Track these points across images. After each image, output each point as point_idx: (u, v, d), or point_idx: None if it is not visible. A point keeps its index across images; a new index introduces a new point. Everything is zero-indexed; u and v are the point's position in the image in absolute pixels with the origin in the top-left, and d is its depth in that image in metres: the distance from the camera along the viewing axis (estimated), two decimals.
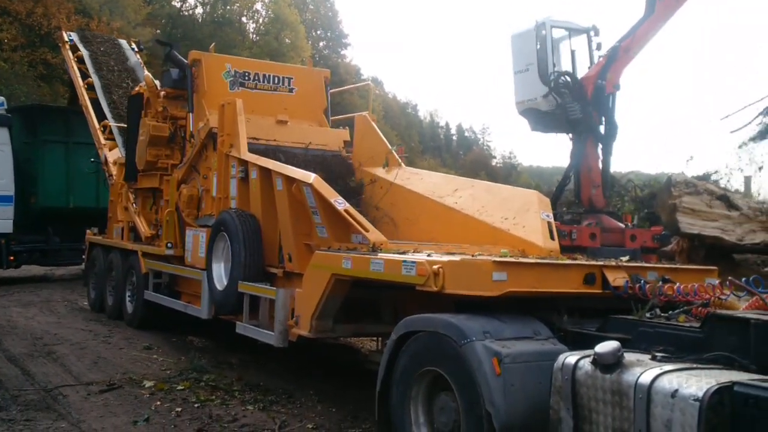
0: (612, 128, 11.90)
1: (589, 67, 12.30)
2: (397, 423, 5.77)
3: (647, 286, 5.46)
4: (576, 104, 11.55)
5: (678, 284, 5.41)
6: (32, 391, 8.27)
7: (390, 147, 10.08)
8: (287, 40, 58.75)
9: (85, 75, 16.63)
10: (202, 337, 11.40)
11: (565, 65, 12.58)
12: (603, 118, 11.84)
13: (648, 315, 5.20)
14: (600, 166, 11.86)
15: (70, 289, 17.07)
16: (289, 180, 8.06)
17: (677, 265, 6.82)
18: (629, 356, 4.43)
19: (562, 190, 12.90)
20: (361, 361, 10.23)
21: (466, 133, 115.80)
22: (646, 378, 4.15)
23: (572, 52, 12.69)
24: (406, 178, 9.39)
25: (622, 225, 11.58)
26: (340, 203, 7.41)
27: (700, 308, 5.07)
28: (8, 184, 17.49)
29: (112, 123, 15.25)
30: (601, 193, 11.80)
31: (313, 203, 7.69)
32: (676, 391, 3.99)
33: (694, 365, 4.30)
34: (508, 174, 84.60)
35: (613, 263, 5.92)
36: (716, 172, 13.55)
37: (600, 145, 11.86)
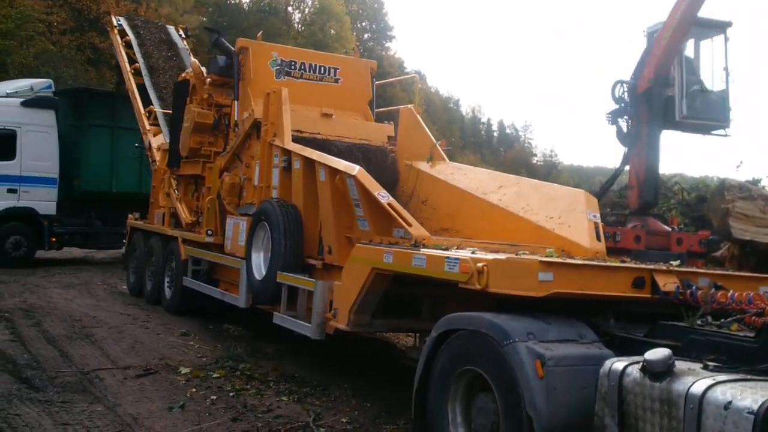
0: (653, 126, 11.57)
1: None
2: (433, 421, 5.67)
3: (699, 292, 5.28)
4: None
5: (731, 291, 5.23)
6: (69, 373, 8.31)
7: (434, 141, 9.96)
8: (332, 31, 58.85)
9: (132, 60, 16.76)
10: (239, 325, 11.38)
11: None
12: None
13: (699, 322, 5.04)
14: (641, 165, 11.57)
15: (109, 273, 17.21)
16: (333, 171, 7.98)
17: (730, 272, 6.62)
18: (680, 364, 4.29)
19: (606, 191, 12.66)
20: (397, 357, 10.13)
21: (508, 130, 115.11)
22: (697, 388, 4.01)
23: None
24: (449, 173, 9.26)
25: (668, 228, 11.33)
26: (384, 196, 7.31)
27: (754, 317, 4.88)
28: (53, 167, 17.70)
29: (157, 109, 15.33)
30: (635, 194, 11.55)
31: (356, 195, 7.60)
32: (730, 402, 3.84)
33: (749, 376, 4.15)
34: (548, 172, 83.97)
35: (664, 267, 5.74)
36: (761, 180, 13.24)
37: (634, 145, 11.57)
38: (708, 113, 11.46)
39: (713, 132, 11.77)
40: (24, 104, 17.39)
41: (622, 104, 11.68)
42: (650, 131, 11.48)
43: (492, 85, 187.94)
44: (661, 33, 11.24)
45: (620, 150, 11.82)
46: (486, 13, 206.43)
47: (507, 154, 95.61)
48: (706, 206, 11.26)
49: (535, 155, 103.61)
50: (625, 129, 11.66)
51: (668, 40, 11.12)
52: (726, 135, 11.68)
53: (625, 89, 11.68)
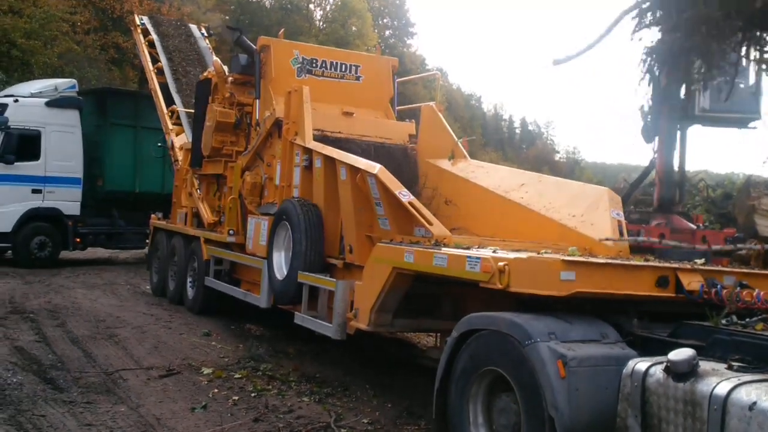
0: (671, 120, 11.40)
1: None
2: (454, 422, 5.63)
3: (724, 291, 5.20)
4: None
5: (757, 290, 5.15)
6: (93, 373, 8.36)
7: (456, 139, 9.90)
8: (354, 28, 58.87)
9: (155, 59, 16.82)
10: (260, 325, 11.41)
11: None
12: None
13: (724, 322, 4.96)
14: (660, 162, 11.42)
15: (133, 273, 17.29)
16: (354, 170, 7.95)
17: (756, 270, 6.51)
18: (704, 365, 4.23)
19: (636, 187, 12.51)
20: (418, 357, 10.09)
21: (530, 127, 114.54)
22: (722, 389, 3.95)
23: None
24: (471, 172, 9.20)
25: (692, 226, 11.20)
26: (405, 195, 7.28)
27: None
28: (77, 167, 17.81)
29: (180, 108, 15.38)
30: (657, 192, 11.41)
31: (376, 194, 7.57)
32: (755, 403, 3.78)
33: None
34: (571, 170, 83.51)
35: (688, 266, 5.66)
36: None
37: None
38: (735, 106, 11.25)
39: (749, 125, 11.52)
40: (48, 104, 17.49)
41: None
42: (669, 126, 11.34)
43: (514, 82, 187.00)
44: None
45: (644, 147, 11.71)
46: (508, 9, 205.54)
47: (529, 151, 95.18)
48: (731, 203, 11.12)
49: (558, 152, 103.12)
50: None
51: None
52: (754, 127, 11.44)
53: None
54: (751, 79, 11.45)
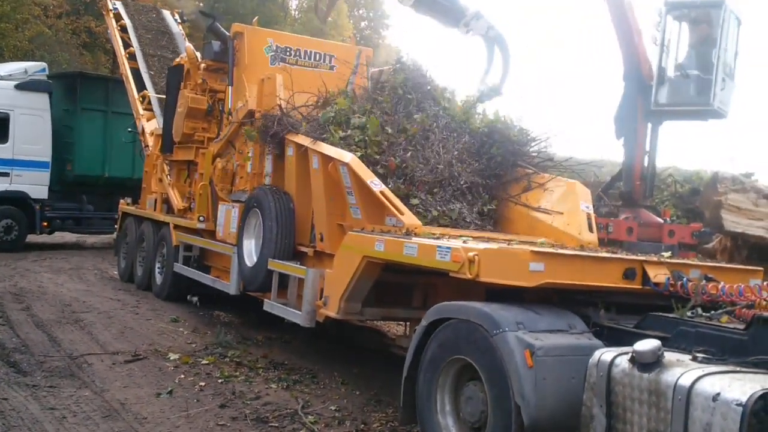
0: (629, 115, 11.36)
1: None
2: (422, 410, 5.66)
3: (690, 284, 5.28)
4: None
5: (722, 283, 5.23)
6: (58, 357, 8.28)
7: None
8: (329, 19, 58.55)
9: (127, 44, 16.61)
10: (229, 312, 11.35)
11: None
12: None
13: (689, 314, 5.03)
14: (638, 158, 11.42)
15: (100, 258, 17.14)
16: (326, 159, 7.92)
17: (721, 264, 6.60)
18: (669, 356, 4.28)
19: (614, 183, 12.52)
20: (387, 345, 10.11)
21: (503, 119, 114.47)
22: (686, 379, 4.00)
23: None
24: None
25: (660, 220, 11.29)
26: (376, 185, 7.26)
27: (744, 309, 4.89)
28: (45, 150, 17.61)
29: (151, 93, 15.23)
30: (641, 187, 11.41)
31: (348, 183, 7.55)
32: (718, 394, 3.83)
33: (738, 368, 4.15)
34: (543, 164, 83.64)
35: (655, 259, 5.74)
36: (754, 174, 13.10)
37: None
38: (690, 99, 11.16)
39: (709, 118, 11.46)
40: (18, 87, 17.29)
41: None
42: (634, 121, 11.37)
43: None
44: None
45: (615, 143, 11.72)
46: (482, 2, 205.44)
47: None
48: (699, 198, 11.22)
49: (530, 146, 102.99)
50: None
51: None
52: (720, 118, 11.33)
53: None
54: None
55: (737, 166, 15.36)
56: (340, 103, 8.67)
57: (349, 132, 8.16)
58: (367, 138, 8.04)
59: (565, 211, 7.40)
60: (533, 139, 8.83)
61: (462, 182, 8.21)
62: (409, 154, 8.13)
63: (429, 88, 9.30)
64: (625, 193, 11.27)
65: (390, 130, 8.30)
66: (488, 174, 8.49)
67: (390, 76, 9.34)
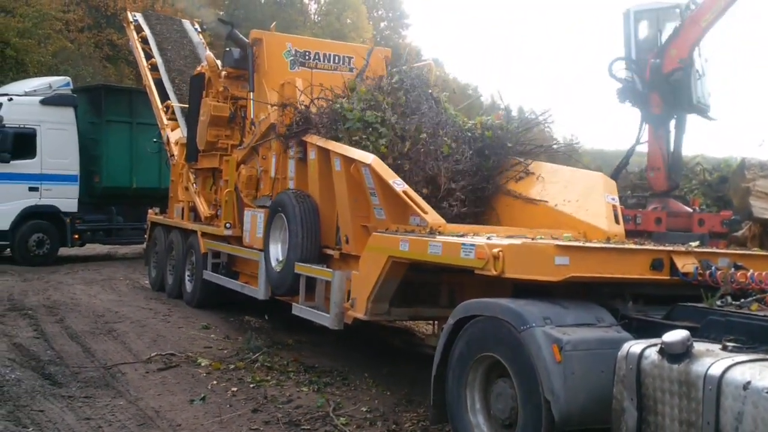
0: (681, 107, 11.30)
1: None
2: (452, 408, 5.66)
3: (718, 272, 5.23)
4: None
5: (751, 271, 5.17)
6: (92, 368, 8.37)
7: None
8: (348, 21, 58.62)
9: (149, 55, 16.75)
10: (259, 317, 11.41)
11: None
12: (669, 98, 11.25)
13: (718, 303, 4.98)
14: (663, 147, 11.32)
15: (131, 268, 17.29)
16: (348, 160, 7.94)
17: (750, 251, 6.52)
18: (698, 346, 4.24)
19: (620, 172, 12.40)
20: (416, 345, 10.12)
21: (528, 115, 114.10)
22: (716, 369, 3.96)
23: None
24: None
25: (689, 209, 11.16)
26: (399, 184, 7.27)
27: None
28: (73, 164, 17.80)
29: (174, 103, 15.34)
30: (662, 176, 11.29)
31: (371, 184, 7.57)
32: (749, 383, 3.80)
33: None
34: (569, 157, 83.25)
35: (682, 249, 5.68)
36: None
37: (659, 127, 11.29)
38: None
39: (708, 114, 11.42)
40: (43, 102, 17.47)
41: (627, 83, 11.37)
42: (678, 113, 11.25)
43: (512, 71, 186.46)
44: (700, 14, 10.96)
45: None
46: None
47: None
48: (727, 186, 11.07)
49: (555, 139, 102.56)
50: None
51: (708, 22, 10.88)
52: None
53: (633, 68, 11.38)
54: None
55: (767, 151, 15.15)
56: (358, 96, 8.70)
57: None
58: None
59: (591, 204, 7.35)
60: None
61: (460, 183, 8.26)
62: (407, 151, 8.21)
63: (429, 90, 9.36)
64: (674, 183, 11.13)
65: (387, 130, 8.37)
66: (486, 175, 8.57)
67: (399, 75, 9.39)
